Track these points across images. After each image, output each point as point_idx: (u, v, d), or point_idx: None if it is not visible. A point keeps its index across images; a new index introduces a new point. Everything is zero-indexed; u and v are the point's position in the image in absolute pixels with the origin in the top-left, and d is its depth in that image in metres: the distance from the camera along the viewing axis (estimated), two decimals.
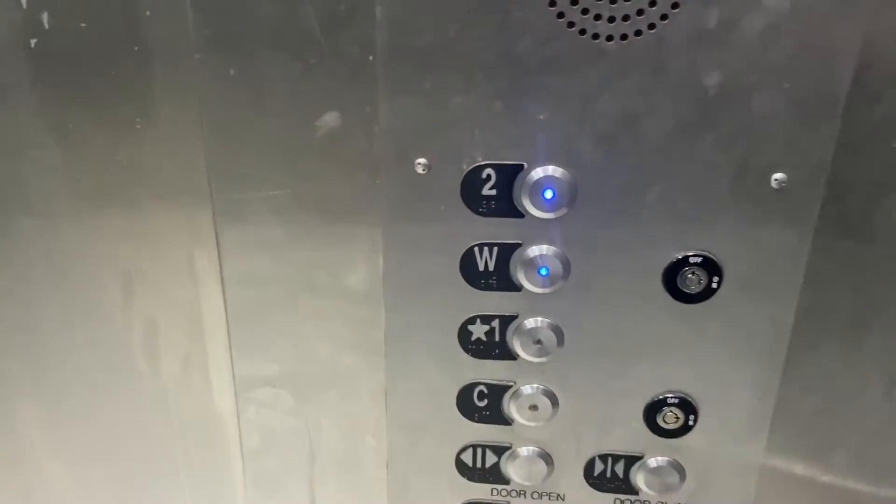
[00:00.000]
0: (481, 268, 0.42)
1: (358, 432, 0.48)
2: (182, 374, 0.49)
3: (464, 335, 0.44)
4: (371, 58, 0.38)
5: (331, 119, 0.40)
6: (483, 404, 0.46)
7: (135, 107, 0.42)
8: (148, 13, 0.40)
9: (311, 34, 0.38)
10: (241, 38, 0.38)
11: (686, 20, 0.35)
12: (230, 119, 0.40)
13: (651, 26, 0.36)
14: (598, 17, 0.36)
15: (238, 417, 0.49)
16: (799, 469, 0.46)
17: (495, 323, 0.44)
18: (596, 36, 0.36)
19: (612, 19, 0.36)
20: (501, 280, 0.42)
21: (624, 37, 0.36)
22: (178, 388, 0.49)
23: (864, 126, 0.37)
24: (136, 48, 0.40)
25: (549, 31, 0.36)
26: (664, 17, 0.35)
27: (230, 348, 0.47)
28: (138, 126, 0.42)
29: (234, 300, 0.45)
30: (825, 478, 0.46)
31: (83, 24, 0.40)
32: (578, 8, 0.36)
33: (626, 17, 0.36)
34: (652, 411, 0.45)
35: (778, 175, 0.38)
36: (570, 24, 0.36)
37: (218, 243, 0.44)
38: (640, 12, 0.35)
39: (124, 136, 0.43)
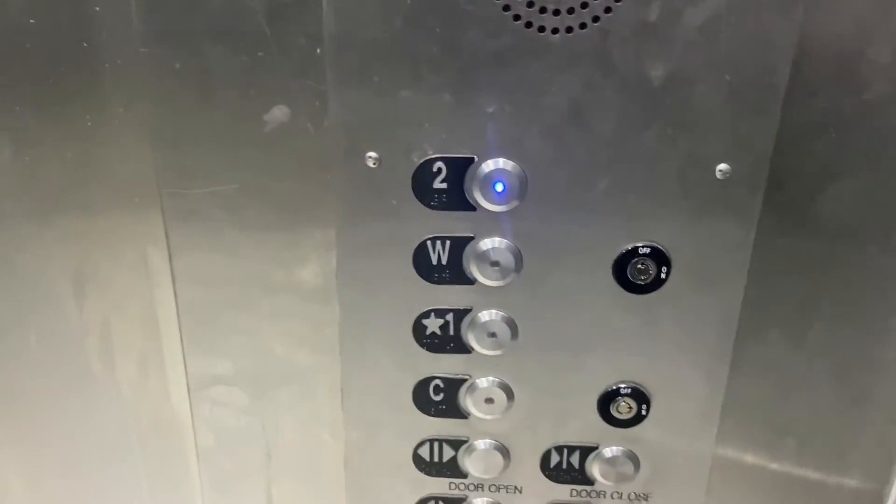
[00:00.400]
0: (434, 262, 0.42)
1: (314, 429, 0.48)
2: (138, 373, 0.48)
3: (418, 329, 0.44)
4: (319, 51, 0.38)
5: (279, 113, 0.39)
6: (439, 398, 0.46)
7: (85, 104, 0.41)
8: (97, 9, 0.39)
9: (258, 27, 0.37)
10: (186, 31, 0.38)
11: (629, 13, 0.36)
12: (177, 113, 0.40)
13: (595, 19, 0.36)
14: (543, 10, 0.36)
15: (192, 416, 0.48)
16: (750, 457, 0.47)
17: (449, 317, 0.44)
18: (542, 29, 0.37)
19: (556, 12, 0.36)
20: (454, 274, 0.43)
21: (569, 29, 0.36)
22: (133, 388, 0.49)
23: (804, 116, 0.38)
24: (84, 44, 0.40)
25: (496, 24, 0.37)
26: (608, 9, 0.36)
27: (182, 346, 0.46)
28: (89, 123, 0.42)
29: (185, 298, 0.45)
30: (775, 465, 0.47)
31: (32, 22, 0.39)
32: (523, 1, 0.36)
33: (570, 10, 0.36)
34: (605, 402, 0.45)
35: (722, 166, 0.39)
36: (516, 17, 0.36)
37: (167, 240, 0.43)
38: (584, 5, 0.36)
39: (75, 134, 0.42)
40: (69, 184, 0.43)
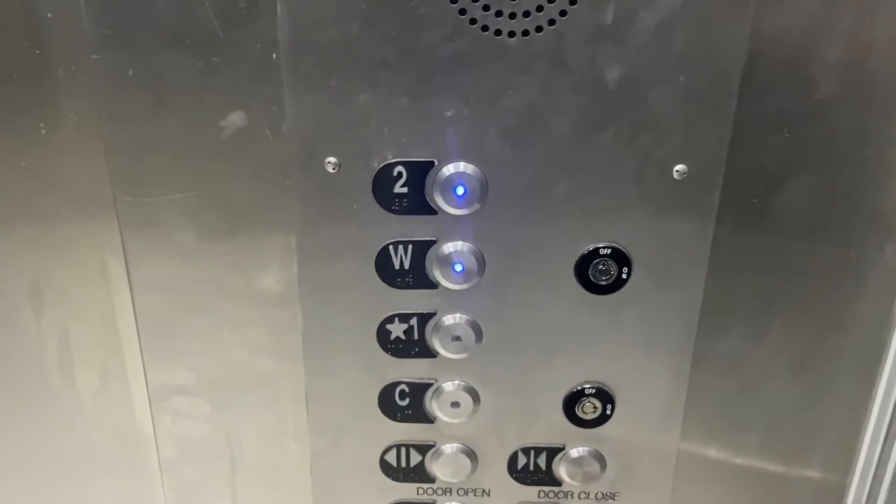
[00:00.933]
0: (397, 266, 0.42)
1: (279, 437, 0.48)
2: (98, 385, 0.47)
3: (382, 335, 0.44)
4: (275, 56, 0.37)
5: (236, 119, 0.39)
6: (405, 403, 0.46)
7: (38, 111, 0.40)
8: (49, 15, 0.38)
9: (212, 32, 0.37)
10: (138, 37, 0.38)
11: (584, 16, 0.36)
12: (131, 121, 0.39)
13: (551, 22, 0.36)
14: (499, 13, 0.36)
15: (154, 428, 0.48)
16: (714, 452, 0.47)
17: (413, 321, 0.44)
18: (498, 32, 0.37)
19: (512, 15, 0.36)
20: (418, 278, 0.42)
21: (525, 33, 0.37)
22: (94, 400, 0.48)
23: (758, 116, 0.38)
24: (37, 51, 0.39)
25: (452, 28, 0.37)
26: (563, 13, 0.36)
27: (142, 357, 0.46)
28: (43, 131, 0.41)
29: (144, 307, 0.44)
30: (739, 459, 0.48)
31: None
32: (479, 4, 0.36)
33: (526, 14, 0.36)
34: (571, 402, 0.45)
35: (679, 167, 0.39)
36: (473, 21, 0.36)
37: (124, 248, 0.43)
38: (539, 8, 0.36)
39: (29, 142, 0.41)
40: (24, 193, 0.42)
